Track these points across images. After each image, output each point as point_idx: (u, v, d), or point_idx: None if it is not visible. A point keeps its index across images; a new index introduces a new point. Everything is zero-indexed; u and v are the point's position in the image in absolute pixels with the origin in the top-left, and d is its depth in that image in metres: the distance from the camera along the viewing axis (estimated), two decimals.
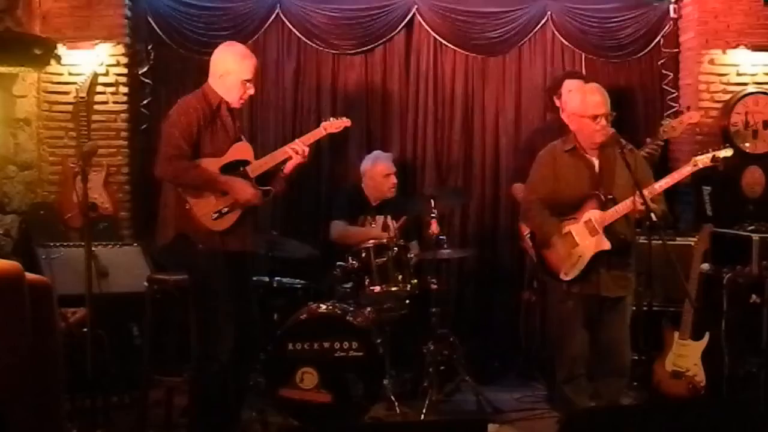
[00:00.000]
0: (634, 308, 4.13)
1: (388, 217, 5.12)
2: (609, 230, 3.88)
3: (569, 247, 3.93)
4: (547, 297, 4.12)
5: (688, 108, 4.68)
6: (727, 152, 3.94)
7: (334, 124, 4.26)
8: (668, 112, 5.54)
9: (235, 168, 3.91)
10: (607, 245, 3.87)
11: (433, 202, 4.70)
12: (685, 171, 3.95)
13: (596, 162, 3.96)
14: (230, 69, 3.89)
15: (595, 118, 3.87)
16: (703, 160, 3.90)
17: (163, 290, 4.44)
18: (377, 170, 5.14)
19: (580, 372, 4.03)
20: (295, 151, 3.99)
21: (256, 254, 4.37)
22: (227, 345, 3.83)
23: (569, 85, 4.73)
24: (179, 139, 3.76)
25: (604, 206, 3.88)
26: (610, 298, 3.96)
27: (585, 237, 3.91)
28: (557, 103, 4.83)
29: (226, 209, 3.85)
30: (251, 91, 3.95)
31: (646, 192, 3.73)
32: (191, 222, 3.83)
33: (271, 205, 4.84)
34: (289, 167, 4.03)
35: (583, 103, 3.92)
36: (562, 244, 3.95)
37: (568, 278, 3.93)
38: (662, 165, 4.90)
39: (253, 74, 3.93)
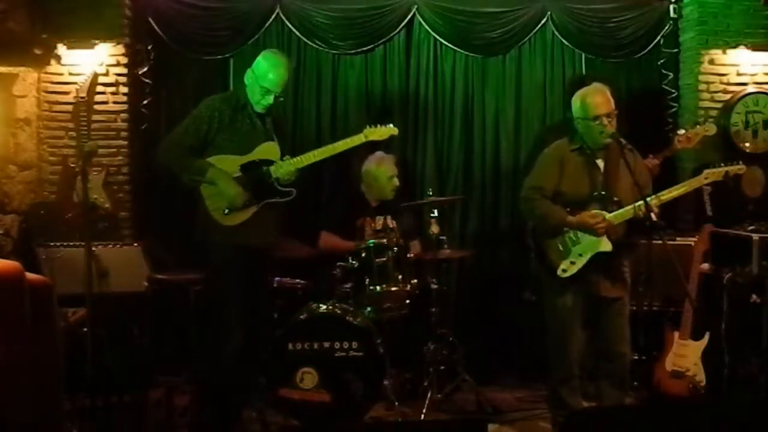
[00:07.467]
0: (634, 308, 4.12)
1: (388, 218, 5.10)
2: (608, 232, 3.86)
3: (570, 244, 3.93)
4: (544, 295, 4.10)
5: (706, 120, 4.59)
6: (740, 169, 3.92)
7: (377, 132, 4.16)
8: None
9: (258, 167, 3.94)
10: (609, 247, 3.86)
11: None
12: (694, 183, 3.94)
13: (602, 163, 3.94)
14: (257, 73, 3.98)
15: (596, 119, 3.85)
16: (715, 174, 3.88)
17: (163, 290, 4.44)
18: (382, 171, 5.10)
19: (576, 373, 4.02)
20: None
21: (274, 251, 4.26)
22: (234, 344, 3.83)
23: None
24: (186, 128, 3.94)
25: (609, 208, 3.86)
26: (607, 299, 3.94)
27: (588, 236, 3.89)
28: None
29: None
30: (270, 100, 3.99)
31: (652, 199, 3.74)
32: (207, 216, 3.88)
33: None
34: None
35: (584, 106, 3.89)
36: (564, 239, 3.94)
37: (565, 275, 3.91)
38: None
39: (274, 86, 3.96)
